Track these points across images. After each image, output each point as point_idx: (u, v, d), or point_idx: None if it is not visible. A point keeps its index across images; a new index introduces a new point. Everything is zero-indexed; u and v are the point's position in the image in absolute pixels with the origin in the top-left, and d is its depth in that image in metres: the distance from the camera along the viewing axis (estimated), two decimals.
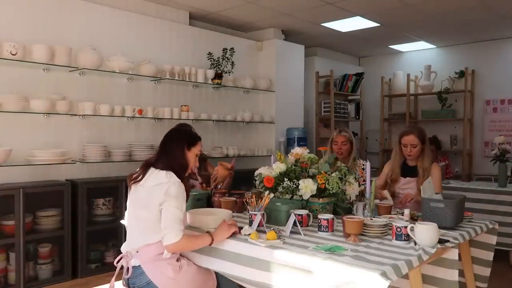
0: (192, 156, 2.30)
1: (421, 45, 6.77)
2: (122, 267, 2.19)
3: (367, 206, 2.54)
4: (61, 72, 3.98)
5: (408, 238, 2.04)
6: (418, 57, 7.04)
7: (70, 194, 3.77)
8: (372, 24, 5.51)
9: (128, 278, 2.18)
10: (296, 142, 5.62)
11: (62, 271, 3.80)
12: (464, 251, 2.54)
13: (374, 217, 2.43)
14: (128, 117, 4.36)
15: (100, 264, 4.05)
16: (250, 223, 2.30)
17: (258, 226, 2.24)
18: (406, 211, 2.51)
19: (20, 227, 3.49)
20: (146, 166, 2.25)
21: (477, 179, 5.62)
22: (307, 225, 2.37)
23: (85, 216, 3.89)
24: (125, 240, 2.34)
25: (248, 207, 2.36)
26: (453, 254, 2.09)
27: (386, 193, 3.02)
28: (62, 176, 4.01)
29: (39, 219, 3.70)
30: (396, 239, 2.05)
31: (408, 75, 6.68)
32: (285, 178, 2.72)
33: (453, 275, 2.11)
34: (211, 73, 4.98)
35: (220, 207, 2.74)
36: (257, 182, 2.85)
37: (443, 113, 6.46)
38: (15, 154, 3.63)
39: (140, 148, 4.35)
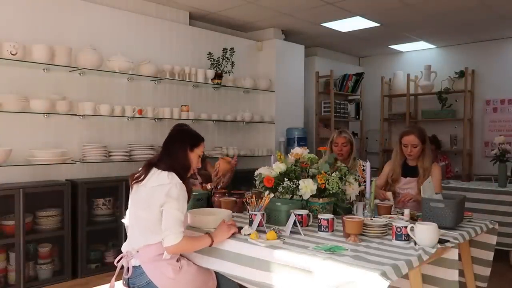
0: (194, 157, 2.30)
1: (421, 45, 6.77)
2: (122, 267, 2.19)
3: (367, 206, 2.54)
4: (61, 72, 3.98)
5: (408, 238, 2.04)
6: (418, 57, 7.04)
7: (70, 194, 3.77)
8: (372, 24, 5.51)
9: (128, 278, 2.19)
10: (296, 142, 5.62)
11: (62, 271, 3.80)
12: (464, 251, 2.54)
13: (374, 217, 2.43)
14: (128, 117, 4.36)
15: (100, 264, 4.06)
16: (250, 223, 2.30)
17: (258, 226, 2.24)
18: (406, 211, 2.51)
19: (20, 227, 3.49)
20: (148, 166, 2.24)
21: (477, 179, 5.62)
22: (307, 225, 2.37)
23: (85, 216, 3.89)
24: (125, 240, 2.34)
25: (248, 207, 2.36)
26: (453, 254, 2.09)
27: (389, 195, 3.02)
28: (62, 176, 4.01)
29: (39, 219, 3.70)
30: (396, 239, 2.05)
31: (408, 75, 6.68)
32: (285, 178, 2.72)
33: (453, 275, 2.11)
34: (211, 73, 4.98)
35: (220, 207, 2.75)
36: (257, 182, 2.85)
37: (443, 113, 6.46)
38: (15, 154, 3.63)
39: (140, 148, 4.35)
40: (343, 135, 3.62)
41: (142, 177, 2.21)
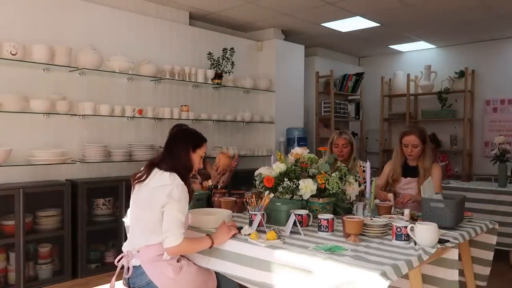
0: (197, 158, 2.29)
1: (421, 45, 6.77)
2: (122, 267, 2.19)
3: (367, 206, 2.54)
4: (61, 72, 3.98)
5: (408, 238, 2.04)
6: (418, 57, 7.04)
7: (70, 194, 3.77)
8: (372, 24, 5.51)
9: (128, 278, 2.18)
10: (296, 142, 5.62)
11: (62, 271, 3.80)
12: (464, 251, 2.54)
13: (374, 217, 2.43)
14: (128, 117, 4.36)
15: (100, 264, 4.06)
16: (250, 223, 2.30)
17: (258, 226, 2.24)
18: (406, 211, 2.51)
19: (20, 227, 3.49)
20: (150, 166, 2.24)
21: (477, 179, 5.62)
22: (307, 225, 2.37)
23: (85, 216, 3.89)
24: (125, 240, 2.34)
25: (248, 207, 2.36)
26: (453, 254, 2.09)
27: (390, 196, 3.02)
28: (62, 176, 4.01)
29: (39, 219, 3.70)
30: (396, 239, 2.05)
31: (408, 75, 6.68)
32: (285, 178, 2.72)
33: (453, 275, 2.11)
34: (211, 73, 4.98)
35: (220, 207, 2.74)
36: (257, 182, 2.85)
37: (443, 113, 6.46)
38: (15, 154, 3.63)
39: (140, 148, 4.35)
40: (343, 136, 3.60)
41: (144, 177, 2.21)
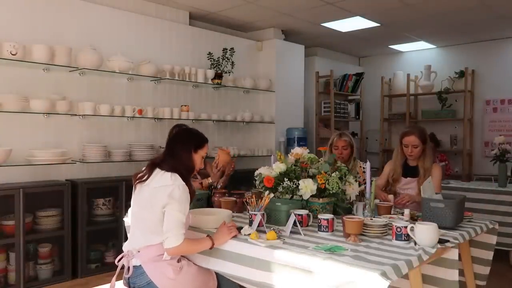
0: (198, 158, 2.29)
1: (421, 45, 6.77)
2: (123, 267, 2.19)
3: (367, 206, 2.54)
4: (61, 72, 3.98)
5: (408, 238, 2.04)
6: (418, 57, 7.04)
7: (70, 194, 3.77)
8: (372, 24, 5.51)
9: (128, 278, 2.18)
10: (296, 142, 5.62)
11: (62, 271, 3.80)
12: (464, 251, 2.55)
13: (374, 217, 2.43)
14: (128, 117, 4.36)
15: (100, 264, 4.05)
16: (250, 223, 2.30)
17: (258, 226, 2.24)
18: (406, 211, 2.51)
19: (20, 227, 3.49)
20: (152, 166, 2.23)
21: (477, 179, 5.62)
22: (307, 225, 2.37)
23: (85, 216, 3.89)
24: (125, 240, 2.34)
25: (248, 207, 2.36)
26: (453, 254, 2.10)
27: (391, 197, 3.02)
28: (62, 176, 4.01)
29: (39, 219, 3.70)
30: (396, 239, 2.05)
31: (408, 75, 6.68)
32: (285, 178, 2.72)
33: (453, 275, 2.11)
34: (211, 73, 4.98)
35: (220, 207, 2.74)
36: (257, 182, 2.85)
37: (443, 113, 6.46)
38: (15, 154, 3.63)
39: (140, 148, 4.35)
40: (343, 138, 3.58)
41: (145, 177, 2.20)
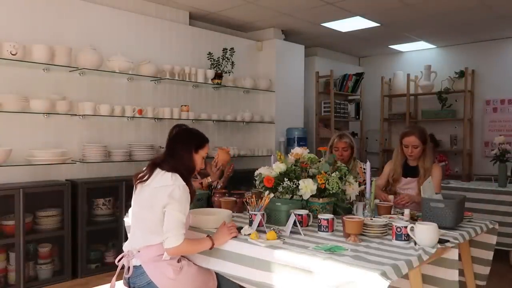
0: (199, 158, 2.29)
1: (421, 45, 6.77)
2: (123, 267, 2.19)
3: (367, 206, 2.54)
4: (61, 72, 3.98)
5: (408, 238, 2.04)
6: (418, 57, 7.04)
7: (70, 194, 3.77)
8: (372, 24, 5.51)
9: (128, 278, 2.18)
10: (296, 142, 5.62)
11: (62, 271, 3.80)
12: (464, 251, 2.55)
13: (374, 217, 2.43)
14: (128, 117, 4.36)
15: (100, 264, 4.05)
16: (250, 223, 2.30)
17: (258, 226, 2.24)
18: (406, 211, 2.51)
19: (20, 227, 3.49)
20: (152, 166, 2.23)
21: (477, 179, 5.62)
22: (307, 225, 2.37)
23: (85, 216, 3.89)
24: (125, 240, 2.34)
25: (248, 207, 2.36)
26: (453, 254, 2.10)
27: (391, 198, 3.01)
28: (62, 176, 4.01)
29: (39, 219, 3.70)
30: (396, 239, 2.05)
31: (408, 75, 6.68)
32: (285, 178, 2.72)
33: (453, 275, 2.11)
34: (211, 73, 4.98)
35: (220, 207, 2.74)
36: (257, 182, 2.85)
37: (443, 113, 6.46)
38: (15, 154, 3.63)
39: (140, 148, 4.35)
40: (343, 140, 3.57)
41: (146, 177, 2.20)
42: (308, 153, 2.90)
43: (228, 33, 5.64)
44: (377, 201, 2.79)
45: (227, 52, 5.20)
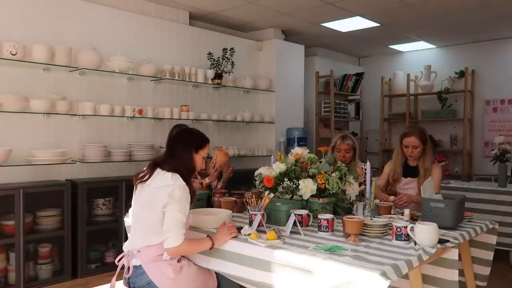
0: (199, 158, 2.29)
1: (421, 45, 6.77)
2: (123, 267, 2.19)
3: (367, 206, 2.54)
4: (61, 72, 3.98)
5: (408, 238, 2.04)
6: (418, 57, 7.03)
7: (70, 194, 3.77)
8: (372, 24, 5.51)
9: (128, 278, 2.19)
10: (296, 142, 5.62)
11: (62, 271, 3.80)
12: (464, 251, 2.55)
13: (374, 217, 2.43)
14: (128, 117, 4.36)
15: (100, 264, 4.05)
16: (250, 223, 2.30)
17: (258, 226, 2.24)
18: (406, 211, 2.51)
19: (20, 227, 3.49)
20: (153, 166, 2.23)
21: (477, 179, 5.62)
22: (307, 225, 2.37)
23: (85, 216, 3.89)
24: (125, 240, 2.34)
25: (248, 207, 2.36)
26: (453, 254, 2.10)
27: (392, 199, 3.01)
28: (62, 176, 4.01)
29: (39, 219, 3.70)
30: (396, 239, 2.05)
31: (408, 75, 6.68)
32: (285, 178, 2.72)
33: (453, 275, 2.11)
34: (211, 73, 4.98)
35: (220, 207, 2.75)
36: (257, 182, 2.85)
37: (443, 113, 6.46)
38: (15, 154, 3.63)
39: (140, 148, 4.35)
40: (346, 141, 3.56)
41: (146, 177, 2.20)
42: (308, 153, 2.90)
43: (228, 33, 5.64)
44: (377, 201, 2.79)
45: (227, 52, 5.20)
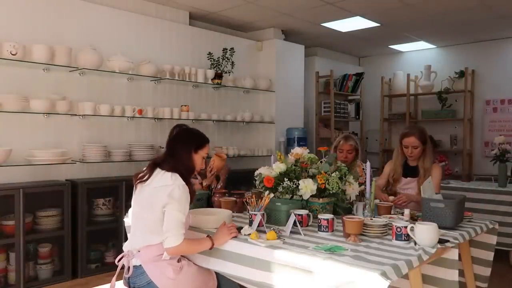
0: (198, 158, 2.29)
1: (421, 45, 6.77)
2: (123, 266, 2.19)
3: (367, 206, 2.54)
4: (61, 72, 3.98)
5: (408, 238, 2.04)
6: (418, 57, 7.03)
7: (70, 194, 3.77)
8: (372, 24, 5.51)
9: (128, 277, 2.19)
10: (296, 142, 5.62)
11: (62, 271, 3.80)
12: (464, 251, 2.55)
13: (374, 217, 2.43)
14: (128, 117, 4.36)
15: (100, 264, 4.05)
16: (250, 223, 2.30)
17: (258, 226, 2.24)
18: (406, 211, 2.51)
19: (20, 227, 3.49)
20: (152, 166, 2.23)
21: (477, 179, 5.62)
22: (307, 225, 2.37)
23: (85, 216, 3.89)
24: (125, 240, 2.34)
25: (248, 207, 2.36)
26: (453, 254, 2.10)
27: (392, 199, 3.01)
28: (62, 176, 4.01)
29: (39, 219, 3.70)
30: (396, 239, 2.05)
31: (408, 75, 6.68)
32: (285, 178, 2.72)
33: (453, 275, 2.11)
34: (211, 73, 4.98)
35: (220, 207, 2.75)
36: (257, 182, 2.85)
37: (443, 113, 6.46)
38: (15, 154, 3.63)
39: (140, 148, 4.35)
40: (349, 142, 3.55)
41: (146, 177, 2.20)
42: (308, 153, 2.90)
43: (228, 33, 5.64)
44: (377, 201, 2.79)
45: (227, 52, 5.20)
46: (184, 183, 2.14)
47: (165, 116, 4.59)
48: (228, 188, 3.14)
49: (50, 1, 3.98)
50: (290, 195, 2.71)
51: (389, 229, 2.17)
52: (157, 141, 4.65)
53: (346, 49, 7.23)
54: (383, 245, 2.01)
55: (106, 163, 4.22)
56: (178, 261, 2.19)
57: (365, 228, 2.17)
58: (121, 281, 2.25)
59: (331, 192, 2.60)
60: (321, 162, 2.84)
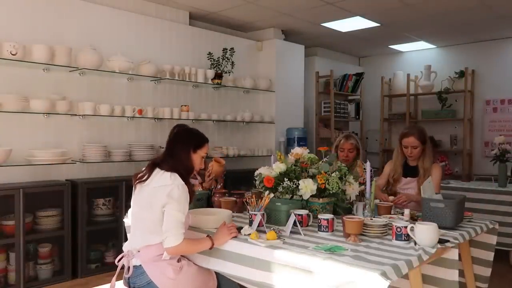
0: (197, 158, 2.29)
1: (421, 45, 6.77)
2: (123, 267, 2.19)
3: (367, 206, 2.54)
4: (61, 72, 3.98)
5: (408, 238, 2.04)
6: (418, 57, 7.03)
7: (70, 194, 3.77)
8: (372, 24, 5.51)
9: (128, 278, 2.19)
10: (296, 142, 5.62)
11: (62, 271, 3.80)
12: (464, 251, 2.54)
13: (374, 217, 2.43)
14: (128, 117, 4.36)
15: (100, 264, 4.05)
16: (250, 223, 2.30)
17: (258, 226, 2.24)
18: (406, 211, 2.51)
19: (20, 227, 3.49)
20: (152, 166, 2.24)
21: (477, 179, 5.62)
22: (307, 225, 2.37)
23: (85, 216, 3.89)
24: (125, 240, 2.34)
25: (248, 207, 2.36)
26: (453, 254, 2.10)
27: (392, 199, 3.01)
28: (62, 176, 4.01)
29: (39, 219, 3.70)
30: (396, 239, 2.05)
31: (408, 75, 6.68)
32: (285, 178, 2.72)
33: (453, 275, 2.11)
34: (211, 73, 4.98)
35: (220, 207, 2.75)
36: (257, 182, 2.85)
37: (443, 113, 6.46)
38: (15, 154, 3.63)
39: (140, 148, 4.35)
40: (350, 141, 3.56)
41: (145, 177, 2.21)
42: (308, 153, 2.90)
43: (228, 33, 5.64)
44: (377, 201, 2.79)
45: (227, 52, 5.20)
46: (183, 182, 2.14)
47: (165, 116, 4.59)
48: (228, 188, 3.14)
49: (50, 1, 3.98)
50: (290, 195, 2.71)
51: (389, 229, 2.17)
52: (157, 141, 4.65)
53: (346, 49, 7.23)
54: (383, 245, 2.01)
55: (106, 163, 4.22)
56: (178, 261, 2.19)
57: (365, 228, 2.17)
58: (121, 281, 2.25)
59: (331, 192, 2.60)
60: (321, 161, 2.84)
